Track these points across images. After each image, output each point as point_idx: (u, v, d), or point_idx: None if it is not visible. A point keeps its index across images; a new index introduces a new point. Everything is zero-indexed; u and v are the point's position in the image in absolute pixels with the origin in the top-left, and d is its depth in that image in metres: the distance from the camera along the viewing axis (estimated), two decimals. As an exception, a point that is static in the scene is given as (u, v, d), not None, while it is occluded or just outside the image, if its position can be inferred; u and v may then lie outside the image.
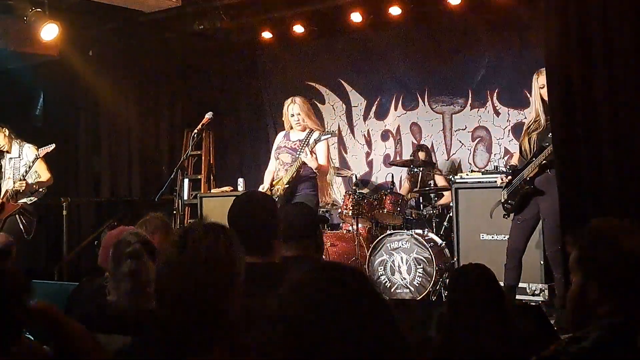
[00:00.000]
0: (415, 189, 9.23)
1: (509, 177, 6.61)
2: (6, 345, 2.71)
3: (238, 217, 3.62)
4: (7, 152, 8.52)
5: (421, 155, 9.51)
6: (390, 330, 1.66)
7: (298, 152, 7.17)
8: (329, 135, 7.26)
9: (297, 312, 1.62)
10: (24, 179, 8.31)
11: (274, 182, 7.38)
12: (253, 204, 3.76)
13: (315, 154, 7.11)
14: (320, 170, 7.22)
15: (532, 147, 6.39)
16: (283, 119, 7.49)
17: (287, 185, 7.14)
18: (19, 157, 8.48)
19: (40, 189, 8.56)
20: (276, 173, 7.40)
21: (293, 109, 7.33)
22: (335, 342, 1.57)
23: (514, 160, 6.88)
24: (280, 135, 7.54)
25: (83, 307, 4.03)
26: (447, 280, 7.86)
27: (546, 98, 6.23)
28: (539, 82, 6.34)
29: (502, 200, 6.67)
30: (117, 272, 3.55)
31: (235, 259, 2.44)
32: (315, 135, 7.20)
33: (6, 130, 8.48)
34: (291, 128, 7.39)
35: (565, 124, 5.36)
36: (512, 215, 6.63)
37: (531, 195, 6.37)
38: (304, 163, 7.11)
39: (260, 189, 7.39)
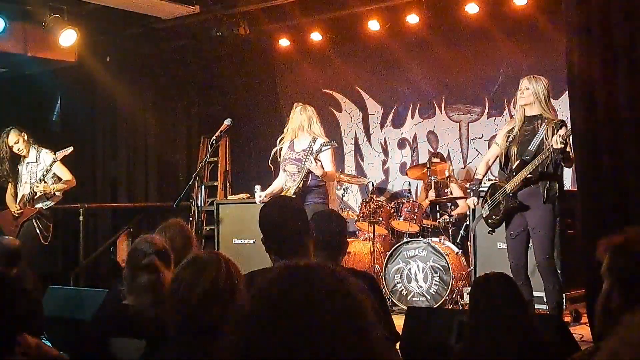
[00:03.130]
0: (432, 198, 9.23)
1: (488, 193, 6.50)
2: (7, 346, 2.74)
3: (268, 221, 3.72)
4: (25, 156, 8.54)
5: (434, 160, 9.49)
6: (356, 337, 1.59)
7: (303, 162, 7.17)
8: (329, 147, 7.22)
9: (258, 313, 1.60)
10: (45, 181, 8.31)
11: (282, 193, 7.39)
12: (284, 208, 3.85)
13: (320, 161, 7.10)
14: (326, 177, 7.20)
15: (512, 158, 6.28)
16: (289, 122, 7.47)
17: (294, 196, 7.13)
18: (36, 161, 8.49)
19: (58, 193, 8.56)
20: (285, 184, 7.41)
21: (304, 112, 7.35)
22: (294, 344, 1.54)
23: (480, 170, 6.77)
24: (285, 146, 7.52)
25: (102, 312, 4.04)
26: (464, 288, 7.84)
27: (522, 103, 6.23)
28: (522, 86, 6.28)
29: (484, 216, 6.60)
30: (134, 282, 3.55)
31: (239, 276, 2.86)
32: (319, 143, 7.18)
33: (25, 134, 8.50)
34: (295, 137, 7.38)
35: (587, 130, 5.31)
36: (496, 230, 6.57)
37: (517, 210, 6.26)
38: (310, 171, 7.11)
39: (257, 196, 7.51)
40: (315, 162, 7.02)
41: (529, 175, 6.12)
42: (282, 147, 7.53)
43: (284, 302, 1.59)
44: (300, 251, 3.57)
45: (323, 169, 7.07)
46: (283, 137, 7.49)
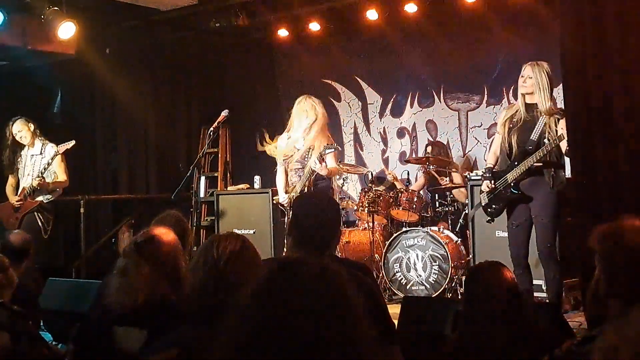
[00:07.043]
0: (430, 187, 9.26)
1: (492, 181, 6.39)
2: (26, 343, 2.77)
3: (305, 215, 3.71)
4: (30, 146, 8.52)
5: (429, 149, 9.49)
6: (342, 327, 1.67)
7: (306, 160, 7.20)
8: (332, 150, 7.19)
9: (251, 309, 1.69)
10: (42, 176, 8.32)
11: (288, 189, 7.41)
12: (320, 203, 3.88)
13: (324, 162, 7.10)
14: (330, 175, 7.21)
15: (514, 147, 6.17)
16: (293, 113, 7.47)
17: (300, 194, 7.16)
18: (41, 154, 8.47)
19: (57, 189, 8.57)
20: (290, 179, 7.42)
21: (305, 104, 7.34)
22: (285, 342, 1.62)
23: (490, 160, 6.59)
24: (282, 141, 7.53)
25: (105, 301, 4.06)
26: (463, 277, 7.85)
27: (523, 91, 6.14)
28: (525, 73, 6.13)
29: (483, 204, 6.54)
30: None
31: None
32: (322, 146, 7.17)
33: (32, 125, 8.48)
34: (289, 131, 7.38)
35: (580, 119, 5.32)
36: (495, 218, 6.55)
37: (519, 200, 6.19)
38: (314, 171, 7.14)
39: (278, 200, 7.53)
40: (320, 163, 7.04)
41: (534, 165, 6.01)
42: (279, 141, 7.57)
43: (275, 294, 1.68)
44: (329, 245, 3.62)
45: (327, 168, 7.11)
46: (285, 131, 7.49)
